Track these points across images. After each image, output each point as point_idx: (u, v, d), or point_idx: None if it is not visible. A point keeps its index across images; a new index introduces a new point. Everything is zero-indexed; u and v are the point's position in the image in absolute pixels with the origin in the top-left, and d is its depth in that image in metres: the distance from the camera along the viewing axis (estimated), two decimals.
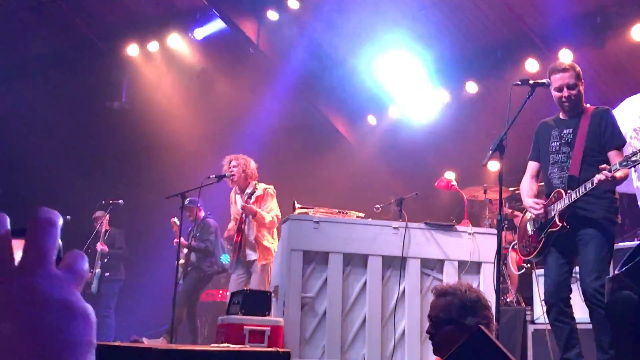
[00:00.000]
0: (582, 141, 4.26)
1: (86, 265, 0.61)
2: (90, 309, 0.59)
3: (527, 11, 8.33)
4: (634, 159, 3.83)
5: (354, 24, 9.26)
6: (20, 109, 10.93)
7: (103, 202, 8.90)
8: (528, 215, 4.51)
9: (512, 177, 9.54)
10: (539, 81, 4.26)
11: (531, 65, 8.22)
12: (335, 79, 10.26)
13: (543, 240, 4.25)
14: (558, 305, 4.17)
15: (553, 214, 4.21)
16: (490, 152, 3.96)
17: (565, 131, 4.36)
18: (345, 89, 10.30)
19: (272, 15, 9.41)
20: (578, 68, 4.38)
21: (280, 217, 6.28)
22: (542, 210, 4.31)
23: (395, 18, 9.22)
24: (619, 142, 4.29)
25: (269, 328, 4.86)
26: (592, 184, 3.97)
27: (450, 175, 6.42)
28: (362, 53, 9.70)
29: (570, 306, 4.21)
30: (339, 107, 10.78)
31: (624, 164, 3.86)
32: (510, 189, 6.95)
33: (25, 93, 10.98)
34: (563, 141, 4.34)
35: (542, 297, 4.90)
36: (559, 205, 4.18)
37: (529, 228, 4.45)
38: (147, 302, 10.39)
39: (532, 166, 4.60)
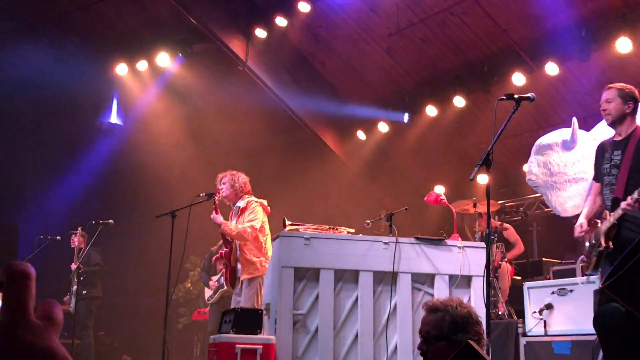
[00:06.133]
0: (627, 164, 4.32)
1: (61, 313, 0.64)
2: (68, 354, 0.62)
3: (513, 26, 8.42)
4: None
5: (340, 41, 9.33)
6: (9, 127, 10.91)
7: (93, 222, 8.68)
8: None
9: (501, 190, 9.62)
10: (524, 95, 4.27)
11: (518, 79, 8.29)
12: (323, 94, 10.32)
13: (595, 258, 4.33)
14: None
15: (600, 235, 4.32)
16: (477, 167, 3.97)
17: (615, 153, 4.44)
18: (333, 105, 10.36)
19: (260, 32, 9.47)
20: (622, 87, 4.44)
21: (256, 227, 6.11)
22: (582, 234, 4.46)
23: (380, 34, 9.30)
24: None
25: (261, 346, 4.84)
26: (621, 210, 4.06)
27: (439, 190, 6.43)
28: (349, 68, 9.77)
29: None
30: (329, 123, 10.83)
31: None
32: (500, 201, 7.00)
33: (14, 112, 10.96)
34: (612, 163, 4.43)
35: (532, 309, 4.90)
36: (604, 227, 4.28)
37: (587, 244, 4.54)
38: (139, 322, 10.33)
39: (594, 186, 4.71)
